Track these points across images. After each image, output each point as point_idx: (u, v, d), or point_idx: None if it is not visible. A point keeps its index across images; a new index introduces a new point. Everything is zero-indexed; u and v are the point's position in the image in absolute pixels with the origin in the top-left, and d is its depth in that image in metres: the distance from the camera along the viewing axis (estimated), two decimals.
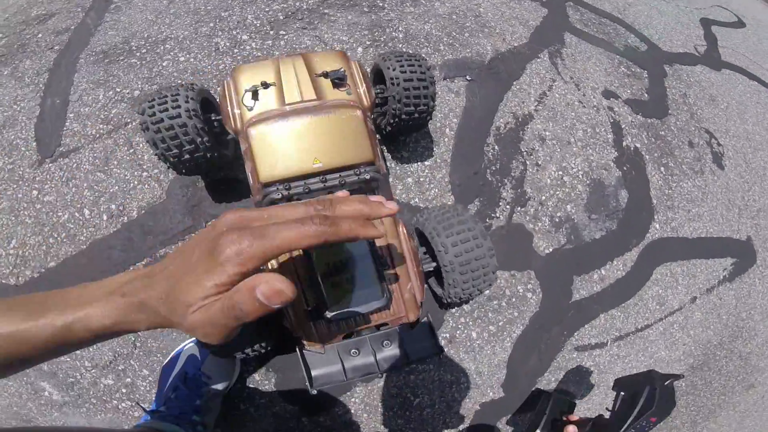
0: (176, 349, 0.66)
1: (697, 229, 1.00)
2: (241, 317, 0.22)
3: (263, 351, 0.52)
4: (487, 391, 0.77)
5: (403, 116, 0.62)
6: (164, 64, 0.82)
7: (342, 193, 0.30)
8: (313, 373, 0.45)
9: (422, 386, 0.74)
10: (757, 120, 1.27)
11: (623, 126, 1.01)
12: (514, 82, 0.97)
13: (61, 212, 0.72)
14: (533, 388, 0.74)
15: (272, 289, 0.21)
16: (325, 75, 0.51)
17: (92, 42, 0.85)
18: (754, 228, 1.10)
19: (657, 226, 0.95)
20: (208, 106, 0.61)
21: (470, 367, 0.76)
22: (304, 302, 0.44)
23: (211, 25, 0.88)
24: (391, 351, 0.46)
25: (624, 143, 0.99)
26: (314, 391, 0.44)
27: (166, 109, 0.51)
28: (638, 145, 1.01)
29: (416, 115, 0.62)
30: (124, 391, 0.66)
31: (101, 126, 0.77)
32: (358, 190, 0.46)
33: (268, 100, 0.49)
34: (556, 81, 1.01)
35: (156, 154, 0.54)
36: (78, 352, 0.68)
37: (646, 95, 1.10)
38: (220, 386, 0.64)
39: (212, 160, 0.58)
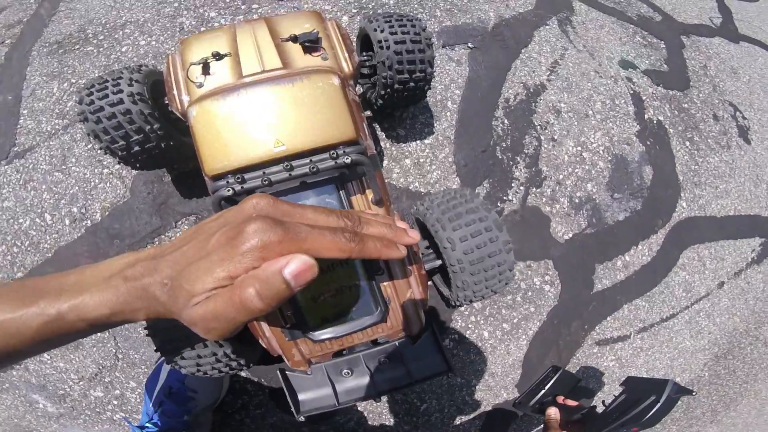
0: (158, 361, 0.62)
1: (725, 206, 0.94)
2: (256, 309, 0.20)
3: (241, 369, 0.45)
4: (500, 392, 0.72)
5: (396, 86, 0.54)
6: (123, 49, 0.76)
7: (369, 212, 0.28)
8: (300, 397, 0.39)
9: (430, 391, 0.70)
10: None
11: (644, 98, 0.94)
12: (522, 50, 0.87)
13: (22, 218, 0.68)
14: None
15: (306, 264, 0.20)
16: (294, 39, 0.41)
17: (46, 33, 0.80)
18: None
19: (684, 204, 0.88)
20: (163, 89, 0.53)
21: (482, 369, 0.71)
22: (280, 318, 0.37)
23: (176, 5, 0.80)
24: (390, 370, 0.39)
25: (646, 116, 0.92)
26: (301, 418, 0.39)
27: (106, 96, 0.45)
28: (661, 118, 0.93)
29: (411, 83, 0.53)
30: (115, 402, 0.64)
31: (56, 121, 0.71)
32: (340, 178, 0.37)
33: (221, 73, 0.40)
34: (568, 49, 0.92)
35: (101, 149, 0.47)
36: (61, 364, 0.66)
37: (666, 66, 1.02)
38: (208, 400, 0.60)
39: (169, 151, 0.51)
